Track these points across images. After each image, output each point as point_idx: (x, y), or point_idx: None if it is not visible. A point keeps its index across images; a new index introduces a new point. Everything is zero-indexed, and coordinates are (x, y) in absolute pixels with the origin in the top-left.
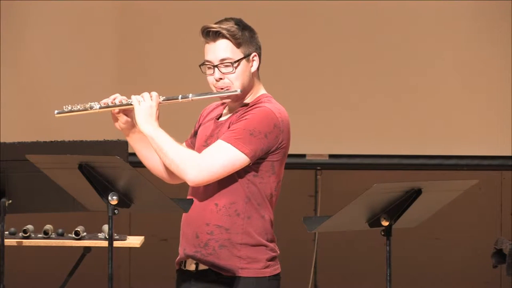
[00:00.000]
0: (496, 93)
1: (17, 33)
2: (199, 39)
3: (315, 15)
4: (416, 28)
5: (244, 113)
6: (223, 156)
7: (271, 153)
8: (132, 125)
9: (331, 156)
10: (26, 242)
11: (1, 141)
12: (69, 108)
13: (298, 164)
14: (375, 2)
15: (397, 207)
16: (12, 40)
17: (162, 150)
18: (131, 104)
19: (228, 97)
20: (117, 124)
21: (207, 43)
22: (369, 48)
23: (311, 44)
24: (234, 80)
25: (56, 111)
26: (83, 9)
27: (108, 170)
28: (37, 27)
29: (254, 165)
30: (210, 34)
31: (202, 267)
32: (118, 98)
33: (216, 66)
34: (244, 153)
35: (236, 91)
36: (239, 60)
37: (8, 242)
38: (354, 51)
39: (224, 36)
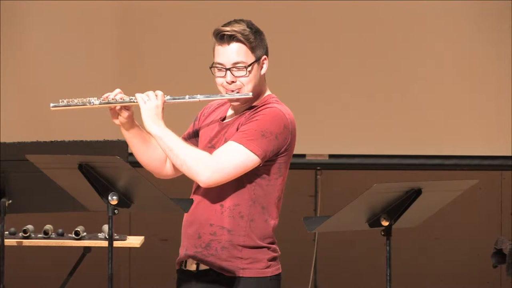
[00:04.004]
0: (496, 93)
1: (17, 33)
2: (199, 39)
3: (314, 14)
4: (416, 28)
5: (254, 114)
6: (235, 157)
7: (279, 155)
8: (132, 119)
9: (331, 156)
10: (26, 242)
11: (1, 141)
12: (65, 102)
13: (298, 164)
14: (375, 2)
15: (397, 207)
16: (12, 40)
17: (173, 151)
18: (133, 102)
19: (237, 99)
20: (116, 120)
21: (220, 45)
22: (370, 48)
23: (311, 44)
24: (247, 83)
25: (51, 104)
26: (83, 9)
27: (108, 170)
28: (37, 27)
29: (262, 167)
30: (225, 38)
31: (203, 267)
32: (119, 95)
33: (229, 69)
34: (256, 154)
35: (248, 94)
36: (252, 64)
37: (8, 242)
38: (355, 51)
39: (238, 40)
